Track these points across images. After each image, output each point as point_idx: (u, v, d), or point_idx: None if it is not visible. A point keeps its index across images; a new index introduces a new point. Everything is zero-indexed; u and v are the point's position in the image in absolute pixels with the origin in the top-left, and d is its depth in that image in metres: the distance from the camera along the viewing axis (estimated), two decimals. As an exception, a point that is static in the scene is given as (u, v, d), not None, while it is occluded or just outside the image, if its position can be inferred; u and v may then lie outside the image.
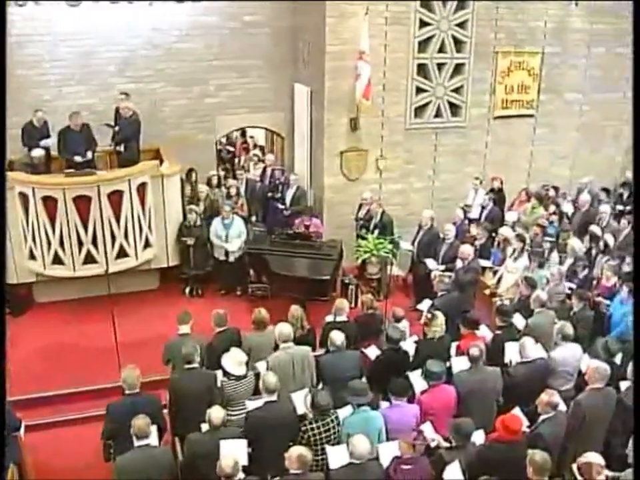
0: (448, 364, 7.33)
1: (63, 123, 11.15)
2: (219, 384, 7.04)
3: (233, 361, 7.00)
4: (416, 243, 11.23)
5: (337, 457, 6.01)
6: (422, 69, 12.39)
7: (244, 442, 6.18)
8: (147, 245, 11.00)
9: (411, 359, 7.73)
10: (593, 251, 10.50)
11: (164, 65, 12.65)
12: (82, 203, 10.08)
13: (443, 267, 10.48)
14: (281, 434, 6.30)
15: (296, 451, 5.60)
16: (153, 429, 6.05)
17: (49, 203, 10.04)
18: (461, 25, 12.32)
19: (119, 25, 12.14)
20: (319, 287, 10.35)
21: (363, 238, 11.47)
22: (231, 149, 16.76)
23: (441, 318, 7.83)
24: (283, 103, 13.57)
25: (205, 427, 6.27)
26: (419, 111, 12.64)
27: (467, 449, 6.00)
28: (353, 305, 10.37)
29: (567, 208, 12.54)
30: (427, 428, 6.49)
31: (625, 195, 13.27)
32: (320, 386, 7.39)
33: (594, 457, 5.60)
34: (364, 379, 7.12)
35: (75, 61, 12.15)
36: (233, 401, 6.93)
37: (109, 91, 12.28)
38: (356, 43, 11.44)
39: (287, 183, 12.52)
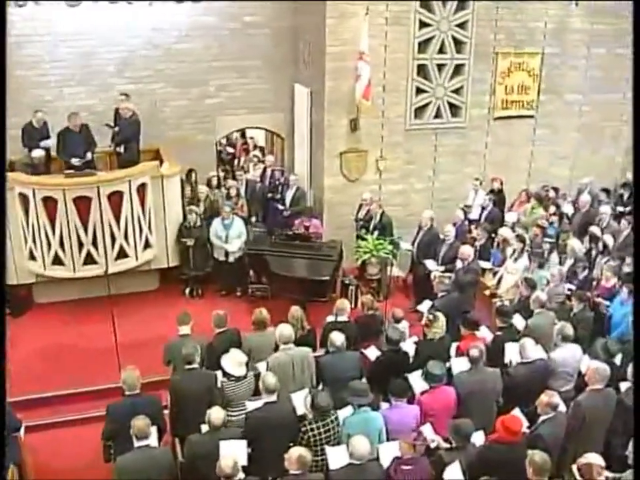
0: (448, 365, 7.32)
1: (62, 123, 11.15)
2: (219, 384, 7.04)
3: (233, 361, 7.00)
4: (416, 244, 11.23)
5: (336, 457, 6.01)
6: (422, 70, 12.39)
7: (244, 442, 6.18)
8: (147, 245, 11.00)
9: (410, 359, 7.73)
10: (593, 252, 10.51)
11: (164, 66, 12.65)
12: (82, 204, 10.08)
13: (442, 268, 10.48)
14: (281, 434, 6.30)
15: (296, 451, 5.60)
16: (153, 430, 6.05)
17: (49, 204, 10.04)
18: (461, 25, 12.32)
19: (118, 26, 12.14)
20: (318, 288, 10.35)
21: (363, 239, 11.47)
22: (231, 149, 16.75)
23: (442, 319, 7.82)
24: (283, 104, 13.57)
25: (204, 427, 6.27)
26: (419, 111, 12.64)
27: (466, 450, 6.00)
28: (353, 306, 10.35)
29: (567, 209, 12.53)
30: (427, 429, 6.49)
31: (625, 196, 13.27)
32: (320, 387, 7.39)
33: (594, 458, 5.60)
34: (364, 380, 7.11)
35: (74, 62, 12.16)
36: (233, 401, 6.93)
37: (109, 91, 12.29)
38: (356, 43, 11.45)
39: (287, 183, 12.53)
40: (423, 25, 12.07)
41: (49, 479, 7.59)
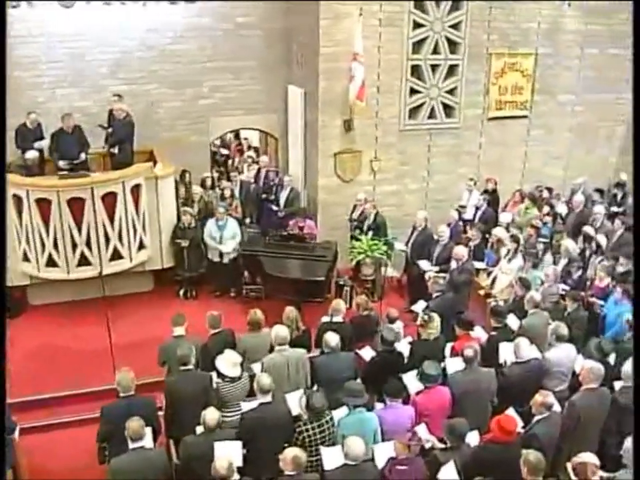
0: (442, 365, 7.33)
1: (56, 125, 11.15)
2: (214, 385, 7.03)
3: (227, 362, 6.99)
4: (410, 244, 11.24)
5: (331, 458, 6.01)
6: (416, 70, 12.41)
7: (239, 443, 6.17)
8: (141, 246, 10.98)
9: (405, 360, 7.74)
10: (587, 252, 10.53)
11: (157, 67, 12.65)
12: (76, 205, 10.06)
13: (436, 268, 10.50)
14: (276, 435, 6.29)
15: (291, 452, 5.60)
16: (148, 431, 6.05)
17: (43, 205, 10.01)
18: (455, 26, 12.35)
19: (112, 27, 12.14)
20: (313, 289, 10.35)
21: (357, 239, 11.48)
22: (225, 150, 16.76)
23: (436, 320, 7.84)
24: (277, 105, 13.58)
25: (199, 429, 6.26)
26: (413, 112, 12.67)
27: (461, 450, 6.01)
28: (347, 306, 10.36)
29: (561, 209, 12.57)
30: (422, 429, 6.50)
31: (619, 196, 13.32)
32: (315, 387, 7.39)
33: (589, 457, 5.61)
34: (359, 380, 7.11)
35: (68, 63, 12.15)
36: (228, 402, 6.92)
37: (103, 92, 12.28)
38: (350, 44, 11.46)
39: (281, 184, 12.53)
40: (416, 25, 12.10)
41: (44, 480, 7.59)
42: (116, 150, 11.42)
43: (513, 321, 8.44)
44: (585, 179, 13.21)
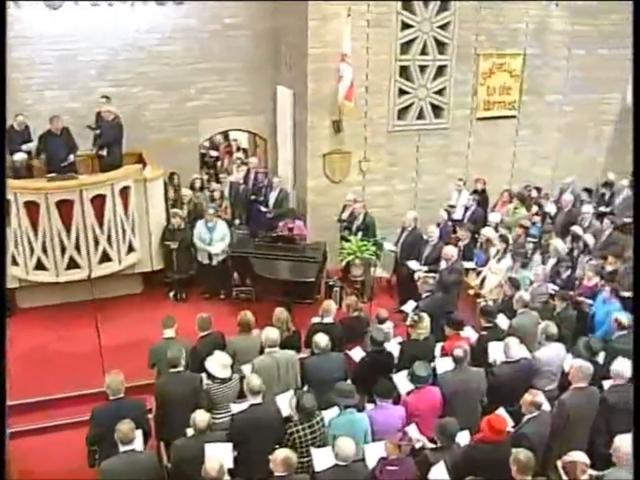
0: (432, 365, 7.34)
1: (45, 127, 11.13)
2: (204, 387, 7.02)
3: (218, 363, 6.98)
4: (399, 244, 11.25)
5: (322, 458, 6.01)
6: (404, 71, 12.43)
7: (229, 445, 6.17)
8: (131, 249, 10.95)
9: (395, 360, 7.74)
10: (575, 251, 10.57)
11: (146, 68, 12.62)
12: (64, 208, 10.03)
13: (425, 268, 10.51)
14: (267, 436, 6.29)
15: (281, 453, 5.59)
16: (138, 434, 6.03)
17: (31, 208, 9.97)
18: (443, 27, 12.37)
19: (100, 29, 12.10)
20: (303, 290, 10.36)
21: (347, 240, 11.48)
22: (214, 152, 16.71)
23: (426, 320, 7.85)
24: (266, 106, 13.57)
25: (190, 431, 6.25)
26: (402, 112, 12.68)
27: (452, 450, 6.02)
28: (337, 307, 10.35)
29: (550, 208, 12.60)
30: (412, 429, 6.51)
31: (607, 195, 13.37)
32: (305, 388, 7.38)
33: (579, 456, 5.64)
34: (349, 381, 7.12)
35: (56, 65, 12.12)
36: (218, 404, 6.91)
37: (91, 94, 12.24)
38: (338, 45, 11.47)
39: (270, 185, 12.52)
40: (405, 26, 12.11)
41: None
42: (104, 152, 11.40)
43: (502, 321, 8.46)
44: (573, 179, 13.27)
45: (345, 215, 11.97)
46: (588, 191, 13.18)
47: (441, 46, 12.50)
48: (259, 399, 6.48)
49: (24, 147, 11.20)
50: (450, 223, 11.75)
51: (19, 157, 11.02)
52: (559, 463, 5.79)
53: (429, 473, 5.81)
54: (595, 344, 7.61)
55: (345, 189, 12.42)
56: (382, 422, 6.59)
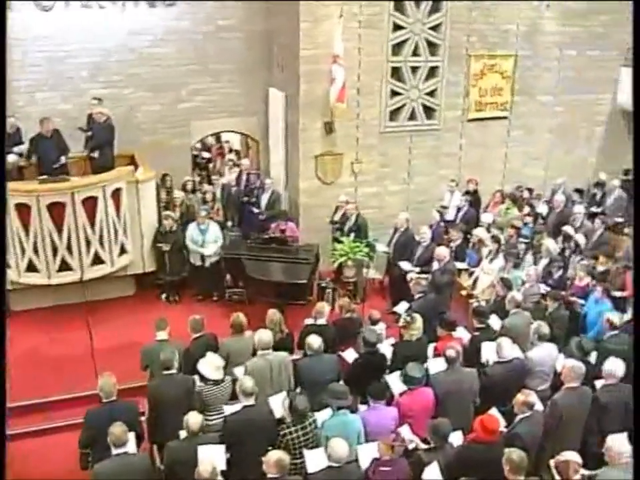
0: (425, 366, 7.35)
1: (36, 129, 11.07)
2: (197, 389, 7.01)
3: (210, 365, 6.98)
4: (392, 246, 11.26)
5: (315, 460, 6.02)
6: (396, 72, 12.45)
7: (222, 447, 6.17)
8: (123, 251, 10.93)
9: (388, 361, 7.75)
10: (567, 252, 10.60)
11: (138, 70, 12.59)
12: (56, 210, 10.00)
13: (417, 269, 10.51)
14: (259, 438, 6.29)
15: (274, 455, 5.60)
16: (131, 437, 6.02)
17: (23, 210, 9.94)
18: (435, 28, 12.40)
19: (91, 30, 12.06)
20: (296, 291, 10.35)
21: (339, 241, 11.48)
22: (206, 154, 16.71)
23: (419, 321, 7.85)
24: (258, 107, 13.56)
25: (183, 433, 6.24)
26: (394, 114, 12.70)
27: (445, 450, 6.02)
28: (330, 308, 10.36)
29: (542, 209, 12.64)
30: (405, 430, 6.52)
31: (599, 196, 13.42)
32: (298, 389, 7.38)
33: (571, 456, 5.66)
34: (341, 382, 7.12)
35: (47, 66, 12.08)
36: (211, 405, 6.90)
37: (83, 96, 12.19)
38: (330, 46, 11.47)
39: (262, 187, 12.51)
40: (396, 27, 12.14)
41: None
42: (96, 154, 11.35)
43: (495, 321, 8.47)
44: (565, 179, 13.31)
45: (337, 217, 11.97)
46: (579, 191, 13.23)
47: (432, 47, 12.53)
48: (251, 401, 6.47)
49: (15, 149, 11.14)
50: (442, 224, 11.77)
51: (11, 159, 10.95)
52: (552, 463, 5.81)
53: (423, 473, 5.82)
54: (587, 344, 7.63)
55: (337, 190, 12.42)
56: (375, 423, 6.59)
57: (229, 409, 6.69)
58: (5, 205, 9.46)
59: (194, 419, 6.12)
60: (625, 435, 5.80)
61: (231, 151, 16.66)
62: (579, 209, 11.85)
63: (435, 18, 12.32)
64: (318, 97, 11.91)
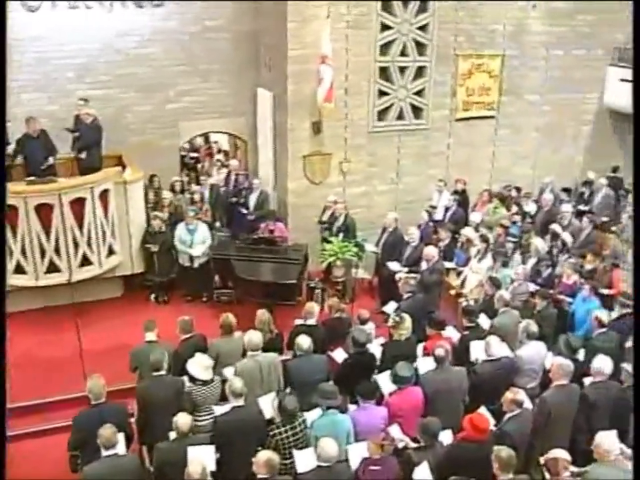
0: (414, 365, 7.36)
1: (23, 130, 11.02)
2: (186, 390, 7.00)
3: (199, 365, 6.97)
4: (380, 245, 11.27)
5: (304, 460, 6.02)
6: (384, 72, 12.47)
7: (211, 448, 6.16)
8: (111, 252, 10.89)
9: (377, 361, 7.76)
10: (554, 250, 10.65)
11: (125, 71, 12.53)
12: (44, 211, 9.96)
13: (406, 269, 10.53)
14: (249, 438, 6.29)
15: (264, 455, 5.59)
16: (120, 438, 6.00)
17: (10, 212, 9.85)
18: (422, 28, 12.44)
19: (78, 31, 11.99)
20: (285, 291, 10.34)
21: (328, 241, 11.48)
22: (195, 154, 16.68)
23: (408, 321, 7.86)
24: (246, 108, 13.55)
25: (172, 434, 6.23)
26: (382, 113, 12.72)
27: (435, 449, 6.04)
28: (320, 308, 10.36)
29: (530, 207, 12.68)
30: (394, 429, 6.52)
31: (586, 194, 13.49)
32: (287, 390, 7.38)
33: (560, 453, 5.69)
34: (331, 382, 7.12)
35: (34, 67, 12.00)
36: (201, 406, 6.89)
37: (70, 97, 12.11)
38: (318, 46, 11.47)
39: (251, 187, 12.50)
40: (384, 27, 12.16)
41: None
42: (83, 155, 11.30)
43: (483, 321, 8.50)
44: (552, 178, 13.36)
45: (325, 217, 11.97)
46: (567, 190, 13.29)
47: (420, 47, 12.57)
48: (241, 402, 6.47)
49: (1, 150, 11.10)
50: (431, 224, 11.80)
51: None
52: (541, 460, 5.84)
53: (413, 472, 5.83)
54: (575, 342, 7.65)
55: (326, 190, 12.43)
56: (364, 423, 6.60)
57: (218, 410, 6.68)
58: (5, 205, 9.43)
59: (183, 419, 6.11)
60: (613, 432, 5.83)
61: (219, 151, 16.64)
62: (567, 208, 11.91)
63: (423, 18, 12.35)
64: (306, 97, 11.91)
